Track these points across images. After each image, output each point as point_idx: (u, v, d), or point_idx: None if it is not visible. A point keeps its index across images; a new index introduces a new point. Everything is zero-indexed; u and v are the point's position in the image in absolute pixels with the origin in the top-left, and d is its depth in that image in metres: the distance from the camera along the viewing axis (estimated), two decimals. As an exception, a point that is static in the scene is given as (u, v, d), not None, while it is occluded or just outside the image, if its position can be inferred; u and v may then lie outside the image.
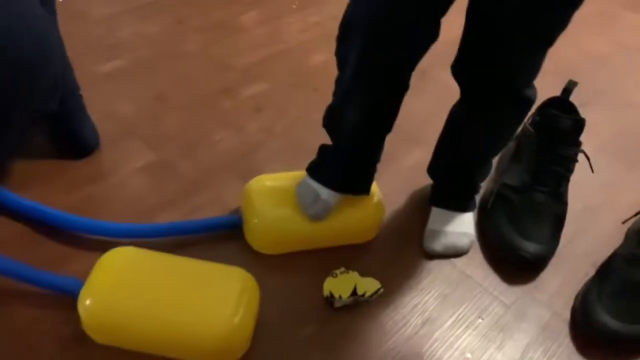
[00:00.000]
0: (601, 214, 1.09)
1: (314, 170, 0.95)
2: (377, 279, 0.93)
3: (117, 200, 1.02)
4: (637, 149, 1.24)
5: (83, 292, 0.79)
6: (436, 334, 0.89)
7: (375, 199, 0.98)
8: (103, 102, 1.18)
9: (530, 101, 0.88)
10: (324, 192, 0.92)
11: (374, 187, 0.98)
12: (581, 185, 1.06)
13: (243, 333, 0.81)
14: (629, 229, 1.02)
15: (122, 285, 0.80)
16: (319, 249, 0.96)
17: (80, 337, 0.80)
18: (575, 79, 1.02)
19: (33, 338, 0.81)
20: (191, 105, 1.24)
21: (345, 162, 0.92)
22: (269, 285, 0.89)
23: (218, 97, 1.27)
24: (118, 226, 0.94)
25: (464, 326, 0.91)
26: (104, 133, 1.12)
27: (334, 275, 0.93)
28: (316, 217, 0.93)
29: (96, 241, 0.93)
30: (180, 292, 0.80)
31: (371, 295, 0.91)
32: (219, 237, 0.97)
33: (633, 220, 1.01)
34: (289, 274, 0.94)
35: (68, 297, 0.81)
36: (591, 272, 0.97)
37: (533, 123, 1.04)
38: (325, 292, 0.90)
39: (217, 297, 0.80)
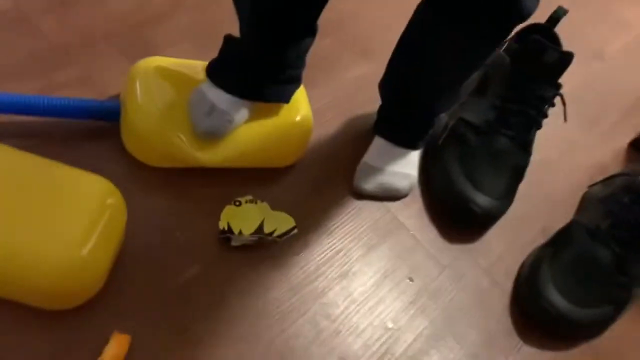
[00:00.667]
0: (557, 173, 0.94)
1: (214, 71, 0.70)
2: (291, 215, 0.71)
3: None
4: (601, 107, 1.10)
5: None
6: (355, 294, 0.71)
7: (301, 113, 0.74)
8: None
9: (527, 14, 0.66)
10: (223, 100, 0.68)
11: (302, 98, 0.75)
12: (538, 136, 0.89)
13: (93, 268, 0.57)
14: (587, 195, 0.88)
15: None
16: (220, 169, 0.72)
17: None
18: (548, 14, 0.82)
19: None
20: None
21: (252, 58, 0.68)
22: (145, 205, 0.65)
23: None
24: None
25: (389, 287, 0.73)
26: None
27: (237, 203, 0.70)
28: (210, 134, 0.68)
29: None
30: (8, 204, 0.54)
31: (281, 235, 0.70)
32: (84, 130, 0.70)
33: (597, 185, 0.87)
34: (175, 194, 0.70)
35: None
36: (539, 238, 0.82)
37: (509, 50, 0.84)
38: (222, 224, 0.68)
39: (62, 214, 0.55)
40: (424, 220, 0.80)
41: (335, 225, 0.75)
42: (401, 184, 0.80)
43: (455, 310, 0.73)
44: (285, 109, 0.73)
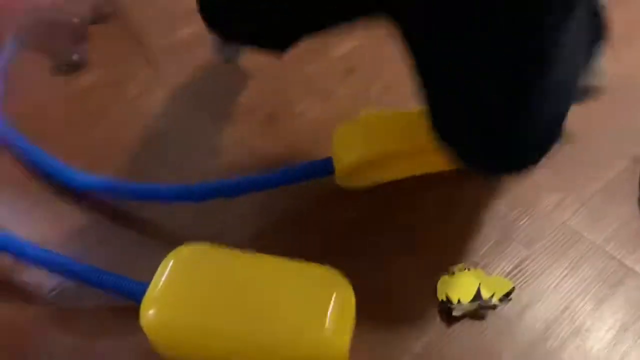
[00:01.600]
0: None
1: None
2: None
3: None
4: None
5: (146, 300, 0.66)
6: (593, 352, 0.67)
7: None
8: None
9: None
10: None
11: None
12: None
13: (340, 349, 0.63)
14: None
15: (193, 292, 0.66)
16: (426, 240, 0.76)
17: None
18: None
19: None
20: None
21: None
22: (365, 284, 0.71)
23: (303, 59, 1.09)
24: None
25: (631, 340, 0.67)
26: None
27: (450, 273, 0.73)
28: None
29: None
30: (261, 301, 0.65)
31: (501, 299, 0.70)
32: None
33: None
34: (387, 271, 0.75)
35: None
36: None
37: None
38: (440, 295, 0.71)
39: (305, 304, 0.64)
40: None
41: (556, 282, 0.73)
42: None
43: None
44: None
